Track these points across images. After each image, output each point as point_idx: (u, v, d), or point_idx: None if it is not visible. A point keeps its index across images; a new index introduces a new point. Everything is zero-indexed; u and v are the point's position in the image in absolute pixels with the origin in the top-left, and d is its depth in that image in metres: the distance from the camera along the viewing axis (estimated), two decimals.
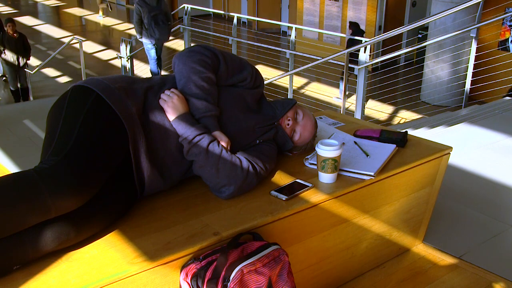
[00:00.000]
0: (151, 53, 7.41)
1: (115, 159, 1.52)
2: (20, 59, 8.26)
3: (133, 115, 1.54)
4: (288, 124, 1.87)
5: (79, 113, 1.50)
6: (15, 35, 8.24)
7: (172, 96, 1.64)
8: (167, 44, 11.63)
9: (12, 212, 1.28)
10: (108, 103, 1.51)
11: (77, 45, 8.65)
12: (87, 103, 1.52)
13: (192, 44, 8.82)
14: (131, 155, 1.53)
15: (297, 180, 1.76)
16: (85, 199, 1.38)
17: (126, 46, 8.70)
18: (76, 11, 17.33)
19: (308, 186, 1.72)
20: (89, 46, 11.72)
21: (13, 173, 1.40)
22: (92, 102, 1.52)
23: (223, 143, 1.66)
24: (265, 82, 6.45)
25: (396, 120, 7.01)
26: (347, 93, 5.54)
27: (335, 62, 6.07)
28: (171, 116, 1.61)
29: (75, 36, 8.64)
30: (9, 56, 8.20)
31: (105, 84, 1.57)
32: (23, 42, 8.39)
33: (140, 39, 7.35)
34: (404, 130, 2.18)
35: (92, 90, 1.54)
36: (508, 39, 7.47)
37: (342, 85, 8.86)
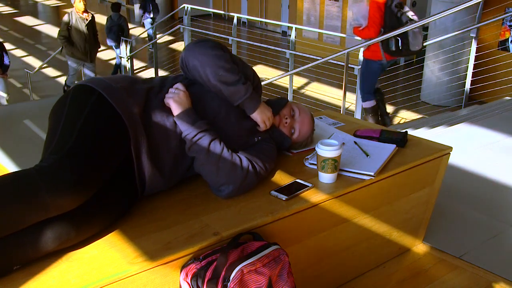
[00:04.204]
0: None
1: (116, 158, 1.52)
2: (90, 49, 6.59)
3: (134, 114, 1.55)
4: (286, 123, 1.88)
5: (80, 112, 1.50)
6: (87, 16, 6.33)
7: (178, 92, 1.64)
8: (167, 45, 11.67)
9: (11, 210, 1.28)
10: (110, 102, 1.52)
11: None
12: (89, 102, 1.52)
13: None
14: (133, 154, 1.53)
15: (297, 180, 1.76)
16: (85, 197, 1.38)
17: (126, 46, 8.71)
18: None
19: (308, 186, 1.72)
20: None
21: (13, 172, 1.41)
22: (94, 101, 1.52)
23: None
24: (265, 82, 6.41)
25: (396, 120, 7.00)
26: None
27: (335, 62, 6.07)
28: (175, 111, 1.61)
29: None
30: (77, 46, 6.40)
31: (107, 84, 1.57)
32: (93, 26, 6.66)
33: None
34: (404, 130, 2.18)
35: (94, 89, 1.54)
36: (508, 39, 7.46)
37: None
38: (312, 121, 1.98)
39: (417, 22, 4.57)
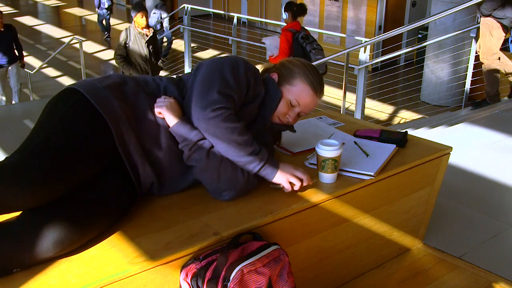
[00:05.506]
0: None
1: (97, 157, 1.49)
2: (152, 69, 5.76)
3: (118, 113, 1.50)
4: (288, 117, 1.80)
5: (57, 112, 1.49)
6: (148, 31, 5.59)
7: (167, 101, 1.59)
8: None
9: None
10: (91, 101, 1.49)
11: (77, 45, 8.64)
12: (68, 103, 1.50)
13: (192, 45, 8.80)
14: (121, 153, 1.50)
15: None
16: (48, 196, 1.36)
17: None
18: (76, 11, 17.31)
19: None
20: (89, 46, 11.70)
21: None
22: (74, 102, 1.50)
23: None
24: None
25: (396, 120, 7.00)
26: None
27: (335, 62, 6.07)
28: (172, 120, 1.57)
29: (75, 36, 8.62)
30: (137, 67, 5.62)
31: (92, 85, 1.55)
32: (154, 42, 5.82)
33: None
34: (404, 130, 2.19)
35: (78, 91, 1.52)
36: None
37: None
38: (315, 96, 1.81)
39: (320, 49, 5.32)
